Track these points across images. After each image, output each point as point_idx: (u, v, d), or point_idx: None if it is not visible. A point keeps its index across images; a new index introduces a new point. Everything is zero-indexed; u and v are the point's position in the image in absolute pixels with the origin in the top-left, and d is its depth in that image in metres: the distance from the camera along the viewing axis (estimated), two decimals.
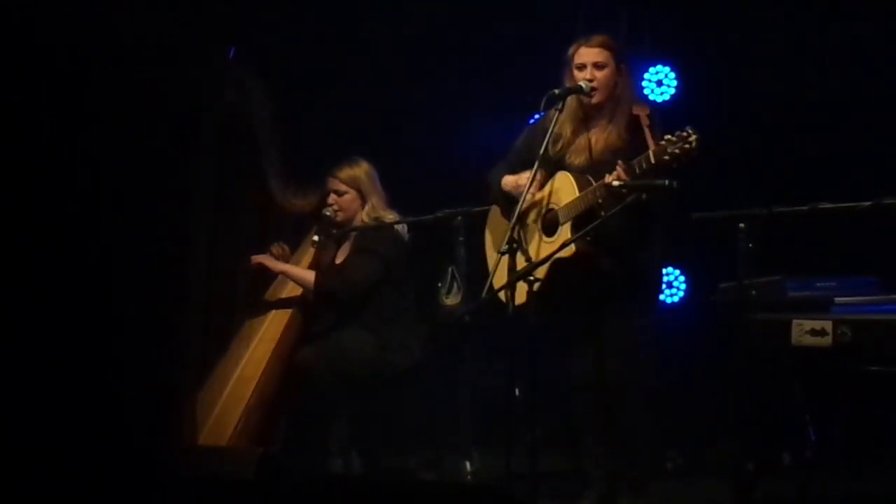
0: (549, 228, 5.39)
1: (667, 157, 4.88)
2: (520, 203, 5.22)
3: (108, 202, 4.47)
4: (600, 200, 5.12)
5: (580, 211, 5.21)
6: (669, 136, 4.89)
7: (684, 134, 4.86)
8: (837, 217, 5.27)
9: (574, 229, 5.22)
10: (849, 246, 6.24)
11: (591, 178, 5.22)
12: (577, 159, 5.38)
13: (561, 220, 5.32)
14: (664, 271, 7.01)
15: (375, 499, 4.53)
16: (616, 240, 5.23)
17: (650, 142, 5.03)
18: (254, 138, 6.05)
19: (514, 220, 5.20)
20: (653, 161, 4.94)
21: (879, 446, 6.13)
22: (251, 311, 6.21)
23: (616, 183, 5.01)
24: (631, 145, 5.19)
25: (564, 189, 5.32)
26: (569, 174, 5.33)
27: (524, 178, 5.32)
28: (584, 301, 5.39)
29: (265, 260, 6.23)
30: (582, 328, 5.46)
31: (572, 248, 5.15)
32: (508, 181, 5.52)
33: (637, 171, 5.00)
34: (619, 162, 5.06)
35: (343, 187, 6.24)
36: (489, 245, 5.75)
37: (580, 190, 5.24)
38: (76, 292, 4.35)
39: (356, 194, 6.25)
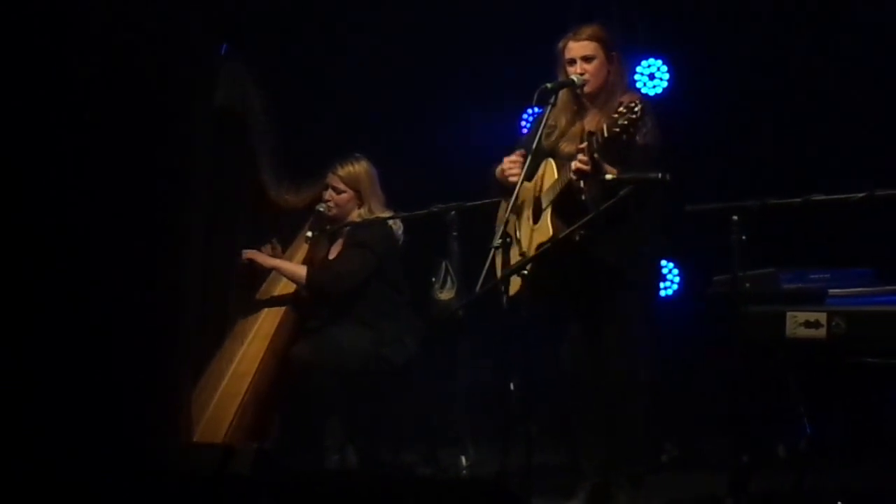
0: (537, 215, 5.42)
1: (617, 129, 4.97)
2: (513, 197, 5.24)
3: (101, 199, 4.46)
4: (572, 176, 5.15)
5: (557, 193, 5.25)
6: (621, 109, 4.97)
7: (631, 105, 4.95)
8: (831, 209, 5.27)
9: (554, 213, 5.25)
10: (842, 238, 6.25)
11: None
12: (569, 147, 5.41)
13: (543, 204, 5.36)
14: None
15: (371, 494, 4.53)
16: (607, 233, 5.25)
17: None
18: (247, 134, 6.05)
19: (507, 213, 5.22)
20: (606, 134, 5.02)
21: (875, 438, 6.13)
22: (245, 308, 6.21)
23: (609, 177, 5.05)
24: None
25: (548, 175, 5.37)
26: (552, 160, 5.36)
27: (507, 161, 5.35)
28: (578, 295, 5.41)
29: (257, 255, 6.22)
30: (577, 321, 5.47)
31: (549, 231, 5.19)
32: (497, 170, 5.54)
33: (595, 146, 5.04)
34: (578, 146, 5.11)
35: (342, 186, 6.21)
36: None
37: (558, 173, 5.27)
38: (70, 290, 4.34)
39: (353, 195, 6.21)
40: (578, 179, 5.14)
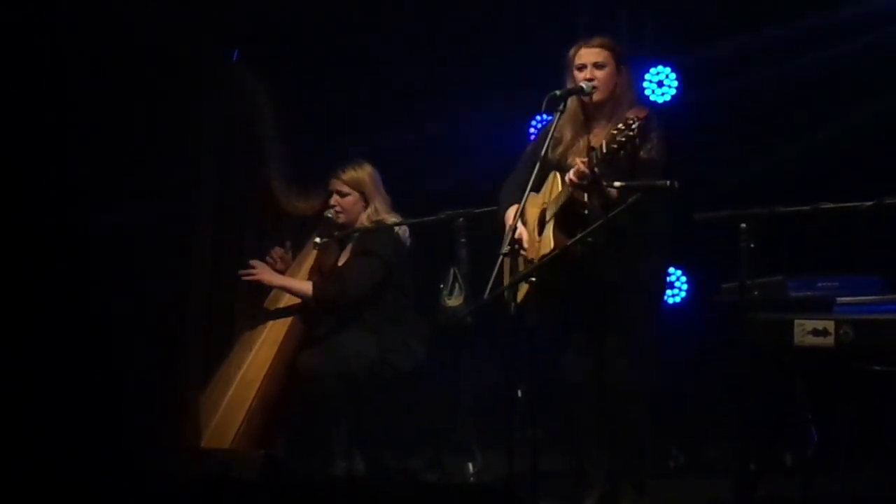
0: (542, 227, 5.43)
1: (615, 146, 4.98)
2: (520, 208, 5.25)
3: (110, 205, 4.47)
4: (584, 197, 5.16)
5: (560, 206, 5.25)
6: (620, 126, 4.99)
7: (629, 122, 4.96)
8: (839, 217, 5.27)
9: (557, 225, 5.26)
10: (851, 246, 6.24)
11: None
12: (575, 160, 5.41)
13: (547, 217, 5.37)
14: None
15: (378, 500, 4.54)
16: (614, 241, 5.25)
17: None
18: (257, 140, 6.06)
19: (514, 220, 5.23)
20: (605, 150, 5.03)
21: (882, 446, 6.13)
22: (253, 314, 6.21)
23: (617, 184, 5.05)
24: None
25: (553, 188, 5.38)
26: (558, 173, 5.37)
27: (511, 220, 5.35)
28: (583, 302, 5.41)
29: (262, 275, 6.16)
30: (583, 327, 5.47)
31: (551, 243, 5.20)
32: (509, 218, 5.55)
33: (594, 161, 5.05)
34: (578, 160, 5.12)
35: (346, 189, 6.24)
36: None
37: (563, 186, 5.28)
38: (72, 293, 4.35)
39: (358, 197, 6.24)
40: (575, 188, 5.14)
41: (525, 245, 5.40)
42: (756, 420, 5.36)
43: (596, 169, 5.06)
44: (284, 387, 5.96)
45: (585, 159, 5.10)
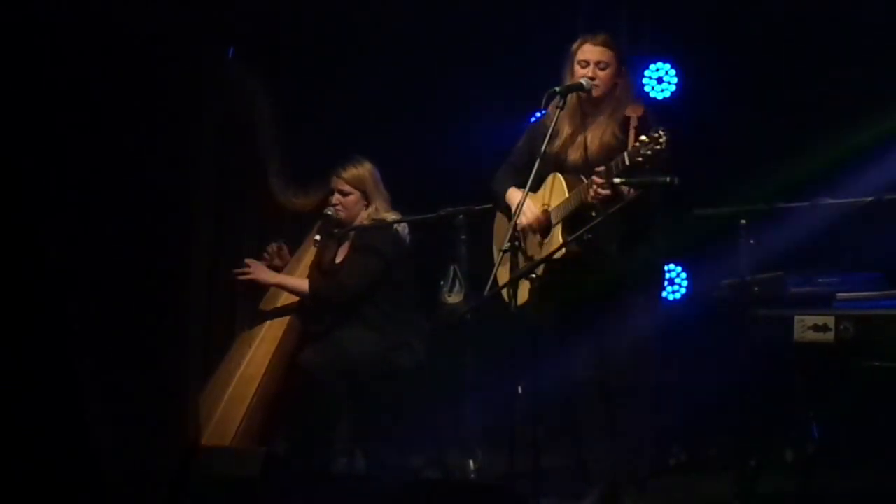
0: (545, 229, 5.42)
1: (640, 159, 4.95)
2: (519, 203, 5.24)
3: (109, 204, 4.47)
4: (592, 201, 5.14)
5: (570, 211, 5.25)
6: (643, 138, 4.95)
7: (656, 135, 4.92)
8: (839, 212, 5.27)
9: (565, 229, 5.26)
10: (850, 241, 6.24)
11: (583, 178, 5.25)
12: (574, 156, 5.42)
13: (553, 220, 5.36)
14: (666, 268, 7.05)
15: (379, 498, 4.55)
16: (614, 237, 5.25)
17: (629, 144, 5.07)
18: (254, 138, 6.06)
19: (514, 219, 5.22)
20: (627, 163, 5.00)
21: (882, 442, 6.13)
22: (253, 312, 6.21)
23: (618, 180, 5.05)
24: (624, 144, 5.22)
25: (557, 190, 5.37)
26: (560, 175, 5.37)
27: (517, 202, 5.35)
28: (584, 299, 5.41)
29: (258, 275, 6.17)
30: (584, 325, 5.48)
31: (563, 250, 5.19)
32: (512, 198, 5.54)
33: (614, 172, 5.03)
34: (596, 170, 5.10)
35: (347, 188, 6.24)
36: (496, 243, 5.78)
37: (570, 191, 5.27)
38: (78, 294, 4.35)
39: (360, 195, 6.24)
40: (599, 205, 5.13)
41: (534, 225, 5.39)
42: (756, 417, 5.36)
43: (615, 180, 5.04)
44: (284, 384, 5.97)
45: (602, 180, 5.06)
